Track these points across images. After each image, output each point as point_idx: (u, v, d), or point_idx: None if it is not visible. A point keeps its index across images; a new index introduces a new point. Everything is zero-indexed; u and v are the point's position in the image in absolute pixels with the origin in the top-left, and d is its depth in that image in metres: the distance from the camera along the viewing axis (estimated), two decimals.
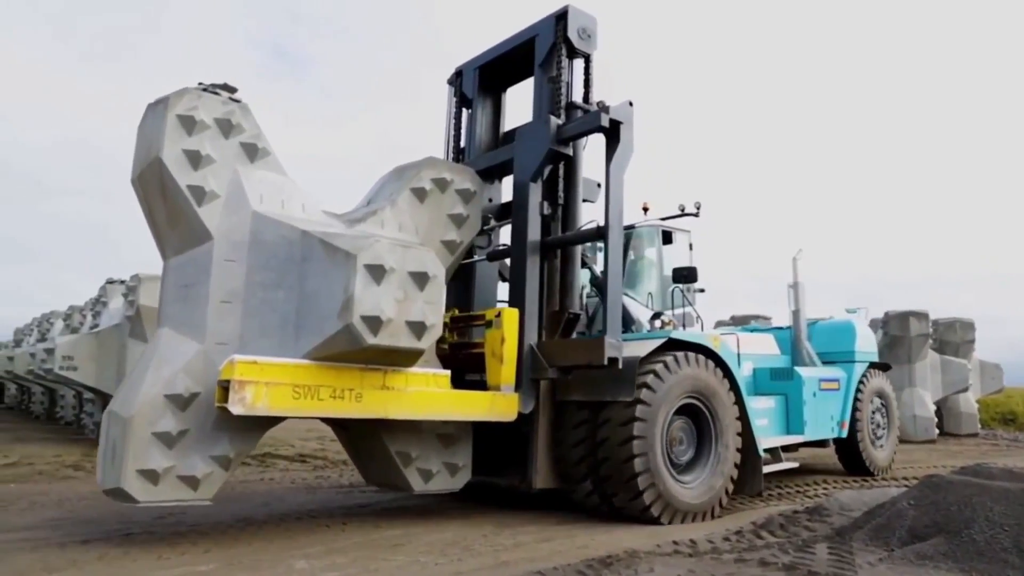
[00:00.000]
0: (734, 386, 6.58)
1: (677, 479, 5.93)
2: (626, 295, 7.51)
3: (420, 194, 5.99)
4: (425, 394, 5.27)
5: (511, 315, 5.81)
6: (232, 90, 5.29)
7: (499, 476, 6.40)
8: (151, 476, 4.53)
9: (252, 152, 5.21)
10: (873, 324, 17.19)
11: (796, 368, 8.37)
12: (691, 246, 8.14)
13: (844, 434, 8.68)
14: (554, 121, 6.09)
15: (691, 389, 6.08)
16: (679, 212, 8.38)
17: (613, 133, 5.89)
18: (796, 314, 9.23)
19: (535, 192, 6.15)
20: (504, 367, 5.76)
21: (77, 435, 12.78)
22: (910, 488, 5.16)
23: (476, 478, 6.76)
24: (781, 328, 9.66)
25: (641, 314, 7.47)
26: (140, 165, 5.03)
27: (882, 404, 9.51)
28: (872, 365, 9.47)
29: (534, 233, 6.06)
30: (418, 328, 4.80)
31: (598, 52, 6.59)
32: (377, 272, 4.66)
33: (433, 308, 4.93)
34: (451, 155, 7.39)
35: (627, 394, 5.64)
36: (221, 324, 4.89)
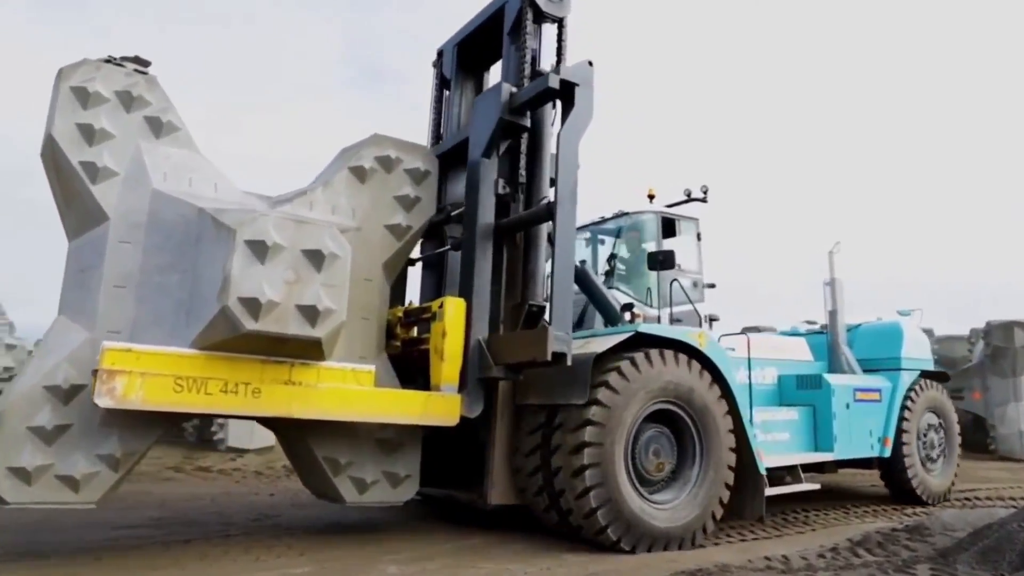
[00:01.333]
0: (728, 392, 5.62)
1: (647, 498, 5.06)
2: (620, 291, 6.70)
3: (360, 173, 5.44)
4: (341, 392, 4.67)
5: (454, 306, 5.15)
6: (144, 63, 4.92)
7: (462, 489, 5.71)
8: (23, 475, 4.12)
9: (157, 127, 4.81)
10: (974, 334, 15.42)
11: (825, 376, 7.23)
12: (699, 236, 7.21)
13: (887, 453, 7.44)
14: (506, 88, 5.42)
15: (666, 393, 5.19)
16: (684, 198, 7.50)
17: (567, 96, 5.15)
18: (833, 315, 8.08)
19: (488, 169, 5.47)
20: (445, 364, 5.09)
21: (176, 438, 12.94)
22: (1020, 509, 4.83)
23: (440, 491, 6.11)
24: (817, 332, 8.49)
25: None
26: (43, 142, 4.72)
27: (939, 420, 8.15)
28: (925, 375, 8.15)
29: (486, 215, 5.38)
30: (311, 313, 4.22)
31: (573, 16, 5.88)
32: (260, 249, 4.12)
33: (333, 292, 4.34)
34: (431, 140, 6.84)
35: (579, 396, 4.85)
36: (114, 310, 4.46)
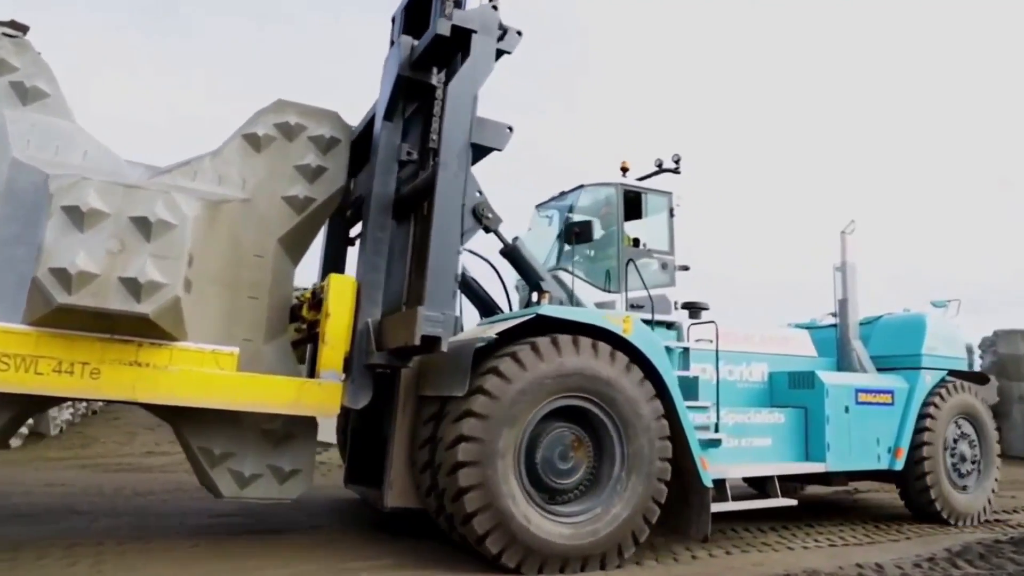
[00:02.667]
0: (663, 389, 4.84)
1: (543, 508, 4.37)
2: (572, 274, 5.99)
3: (254, 141, 5.02)
4: (195, 376, 4.26)
5: (339, 284, 4.65)
6: (20, 28, 4.69)
7: (375, 488, 5.22)
8: None
9: (23, 93, 4.56)
10: (984, 344, 13.78)
11: (819, 374, 6.23)
12: (672, 211, 6.37)
13: (898, 466, 6.34)
14: (406, 41, 4.87)
15: (577, 386, 4.48)
16: (656, 169, 6.68)
17: (461, 44, 4.53)
18: (843, 304, 7.02)
19: (389, 133, 4.95)
20: (326, 349, 4.60)
21: None
22: None
23: (357, 488, 5.66)
24: (830, 325, 7.42)
25: (588, 297, 5.89)
26: None
27: (973, 429, 6.92)
28: (957, 375, 6.94)
29: (382, 184, 4.86)
30: (134, 287, 3.81)
31: None
32: (77, 216, 3.76)
33: (165, 264, 3.92)
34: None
35: (458, 387, 4.24)
36: None
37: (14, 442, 10.93)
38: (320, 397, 4.51)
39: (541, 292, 4.93)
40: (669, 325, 6.15)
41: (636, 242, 6.33)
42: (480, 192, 5.41)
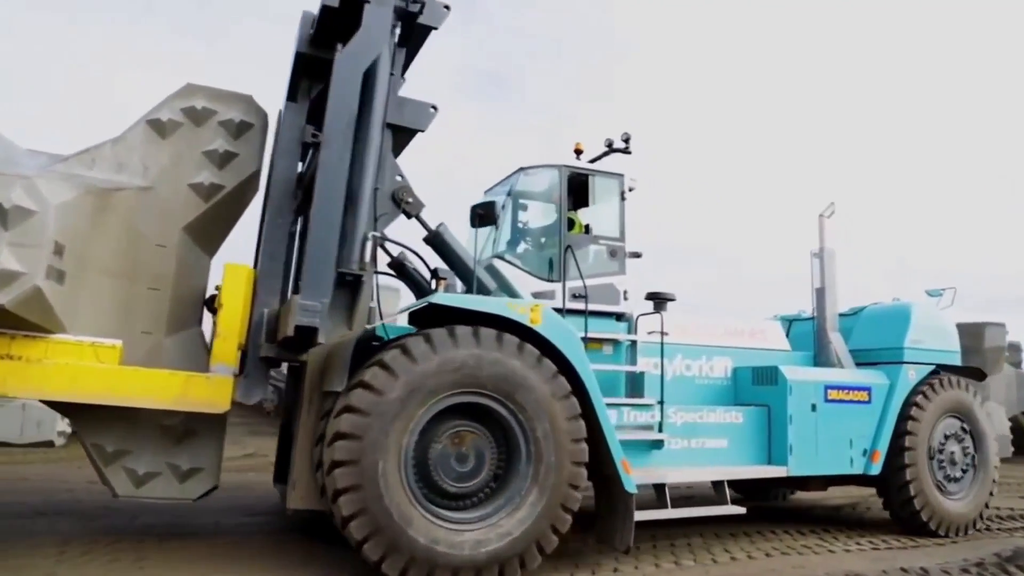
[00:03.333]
0: (579, 386, 4.45)
1: (429, 513, 4.01)
2: (510, 263, 5.64)
3: (159, 127, 4.82)
4: (71, 369, 4.08)
5: (232, 274, 4.43)
6: None
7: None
8: None
9: None
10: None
11: (782, 368, 5.72)
12: (624, 195, 5.93)
13: (874, 469, 5.79)
14: (307, 16, 4.61)
15: (473, 381, 4.13)
16: (605, 149, 6.26)
17: (351, 14, 4.24)
18: (820, 293, 6.48)
19: (292, 114, 4.72)
20: (218, 341, 4.39)
21: None
22: None
23: (280, 488, 5.45)
24: (807, 317, 6.86)
25: (526, 287, 5.53)
26: None
27: (963, 429, 6.29)
28: (947, 370, 6.32)
29: (283, 168, 4.64)
30: None
31: None
32: None
33: (23, 252, 3.74)
34: None
35: (336, 382, 3.95)
36: None
37: (58, 441, 11.23)
38: (208, 392, 4.29)
39: (439, 279, 4.59)
40: (619, 316, 5.75)
41: (588, 229, 5.94)
42: (401, 176, 5.12)
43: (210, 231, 5.02)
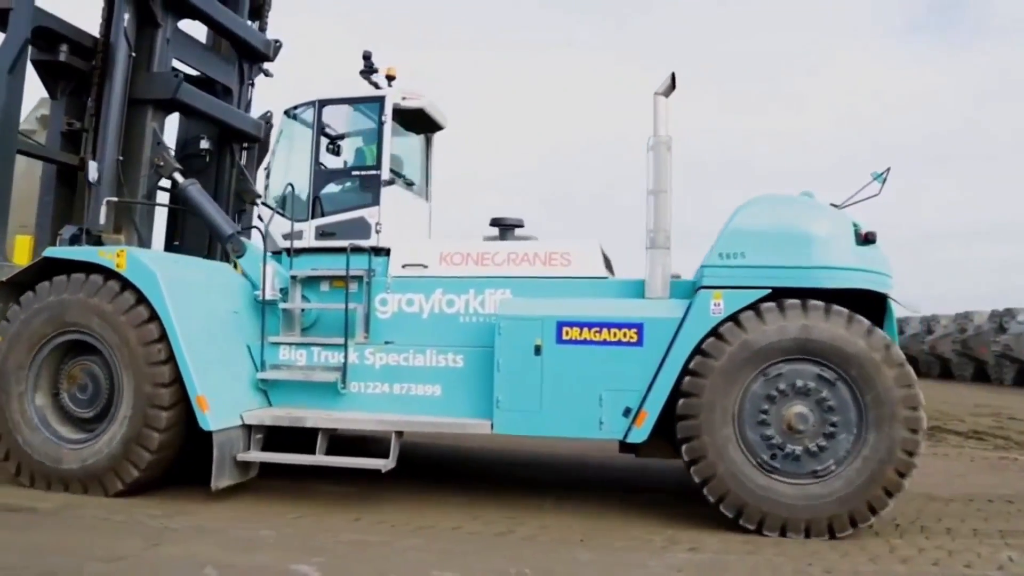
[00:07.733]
0: (163, 321, 4.48)
1: (54, 433, 4.73)
2: (267, 207, 5.65)
3: None
4: None
5: (14, 246, 5.70)
6: None
7: None
8: None
9: None
10: None
11: (502, 300, 4.36)
12: (382, 121, 5.26)
13: (638, 436, 4.00)
14: None
15: (66, 323, 4.63)
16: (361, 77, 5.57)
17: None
18: (654, 200, 4.59)
19: (56, 108, 5.75)
20: None
21: None
22: None
23: None
24: None
25: (283, 229, 5.46)
26: None
27: (822, 379, 3.71)
28: (803, 294, 3.80)
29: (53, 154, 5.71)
30: None
31: None
32: None
33: None
34: None
35: None
36: None
37: None
38: None
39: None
40: (377, 251, 5.21)
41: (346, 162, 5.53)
42: (160, 142, 5.75)
43: None
